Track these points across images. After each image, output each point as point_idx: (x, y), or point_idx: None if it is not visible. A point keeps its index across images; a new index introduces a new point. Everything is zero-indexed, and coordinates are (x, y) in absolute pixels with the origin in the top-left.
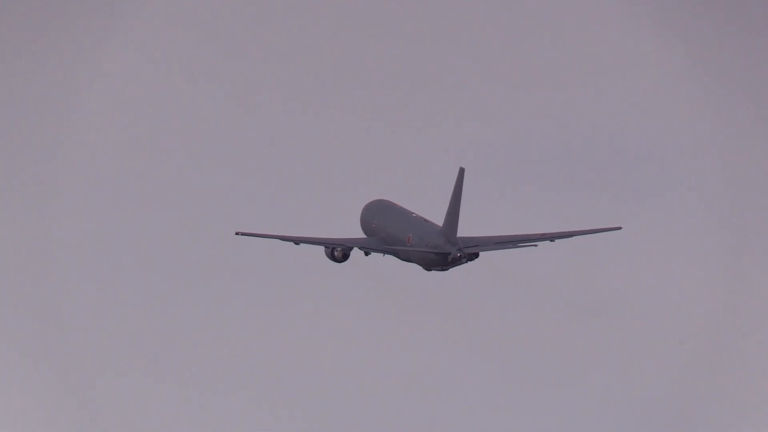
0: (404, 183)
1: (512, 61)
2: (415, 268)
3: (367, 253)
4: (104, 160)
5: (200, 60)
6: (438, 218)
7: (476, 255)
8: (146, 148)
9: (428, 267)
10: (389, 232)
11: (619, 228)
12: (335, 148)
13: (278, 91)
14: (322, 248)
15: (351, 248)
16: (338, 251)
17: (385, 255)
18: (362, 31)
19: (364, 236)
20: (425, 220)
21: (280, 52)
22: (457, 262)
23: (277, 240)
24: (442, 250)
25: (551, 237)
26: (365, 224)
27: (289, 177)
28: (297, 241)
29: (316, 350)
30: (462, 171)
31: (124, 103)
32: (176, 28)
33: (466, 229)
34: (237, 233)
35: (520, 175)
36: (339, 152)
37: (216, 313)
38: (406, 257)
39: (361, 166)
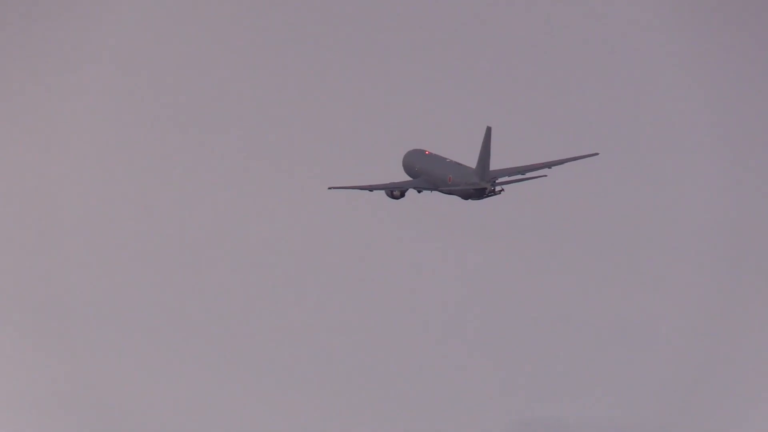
0: (427, 135)
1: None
2: (455, 199)
3: (419, 191)
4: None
5: (232, 22)
6: (465, 162)
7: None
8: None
9: (466, 198)
10: (432, 174)
11: (597, 154)
12: (358, 105)
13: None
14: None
15: (407, 189)
16: (396, 192)
17: (433, 191)
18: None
19: (410, 178)
20: (458, 164)
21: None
22: (491, 194)
23: (357, 189)
24: (479, 186)
25: (549, 165)
26: (408, 168)
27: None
28: (371, 188)
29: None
30: (489, 129)
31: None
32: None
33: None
34: (330, 188)
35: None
36: (364, 108)
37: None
38: (448, 192)
39: (387, 121)
